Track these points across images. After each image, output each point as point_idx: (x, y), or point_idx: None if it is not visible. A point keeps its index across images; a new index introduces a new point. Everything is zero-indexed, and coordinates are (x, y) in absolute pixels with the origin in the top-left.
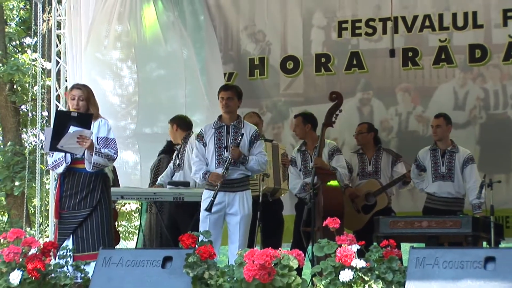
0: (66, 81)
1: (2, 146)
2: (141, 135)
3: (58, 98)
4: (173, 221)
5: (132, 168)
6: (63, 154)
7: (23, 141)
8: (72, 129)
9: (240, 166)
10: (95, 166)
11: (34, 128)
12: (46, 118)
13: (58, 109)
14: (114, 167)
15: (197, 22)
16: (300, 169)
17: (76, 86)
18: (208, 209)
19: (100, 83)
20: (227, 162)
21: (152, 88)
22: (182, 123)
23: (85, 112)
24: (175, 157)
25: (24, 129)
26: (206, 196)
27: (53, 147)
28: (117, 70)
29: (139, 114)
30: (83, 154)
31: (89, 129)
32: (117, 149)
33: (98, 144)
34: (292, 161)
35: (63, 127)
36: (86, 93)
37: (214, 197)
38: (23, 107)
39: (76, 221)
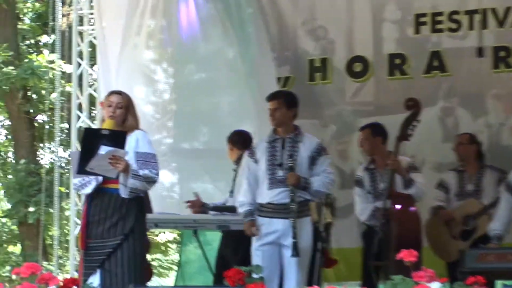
0: (89, 87)
1: (13, 164)
2: (179, 151)
3: (80, 107)
4: (218, 253)
5: (168, 190)
6: None
7: (39, 159)
8: (103, 149)
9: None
10: (132, 192)
11: (52, 143)
12: (66, 131)
13: (80, 120)
14: None
15: (244, 16)
16: (369, 192)
17: (115, 92)
18: (295, 254)
19: (129, 89)
20: (290, 193)
21: (191, 95)
22: (238, 140)
23: (122, 121)
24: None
25: (40, 144)
26: (259, 224)
27: (82, 170)
28: (149, 74)
29: (176, 125)
30: (117, 176)
31: (123, 148)
32: (158, 169)
33: (137, 161)
34: (358, 182)
35: (92, 147)
36: (126, 100)
37: (294, 237)
38: (38, 118)
39: (104, 252)
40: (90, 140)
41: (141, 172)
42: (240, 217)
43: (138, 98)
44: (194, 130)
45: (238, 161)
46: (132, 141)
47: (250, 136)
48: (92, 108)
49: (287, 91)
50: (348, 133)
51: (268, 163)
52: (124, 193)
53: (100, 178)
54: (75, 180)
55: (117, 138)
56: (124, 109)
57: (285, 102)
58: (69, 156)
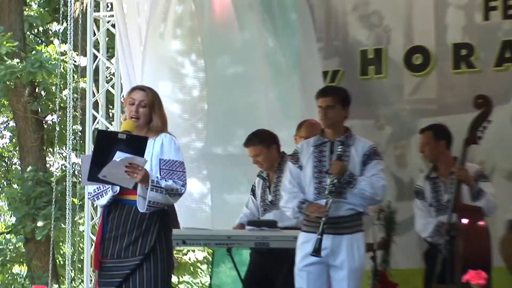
0: (107, 82)
1: (19, 172)
2: (211, 156)
3: (95, 105)
4: (255, 275)
5: (198, 202)
6: None
7: (48, 166)
8: (118, 155)
9: (348, 197)
10: (152, 206)
11: (63, 148)
12: (79, 133)
13: (96, 121)
14: None
15: (286, 1)
16: (431, 204)
17: (139, 87)
18: (316, 251)
19: (154, 85)
20: (330, 183)
21: (224, 92)
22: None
23: (146, 122)
24: (266, 189)
25: (50, 149)
26: (303, 240)
27: (93, 177)
28: (177, 67)
29: (208, 127)
30: (135, 187)
31: (143, 156)
32: (186, 179)
33: (160, 170)
34: (418, 193)
35: (107, 153)
36: (150, 98)
37: (322, 233)
38: (48, 118)
39: (121, 273)
40: (104, 144)
41: (163, 183)
42: (291, 216)
43: (163, 96)
44: (228, 133)
45: (280, 166)
46: (157, 146)
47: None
48: (110, 107)
49: (341, 88)
50: (406, 136)
51: (314, 170)
52: (141, 207)
53: (117, 188)
54: (90, 189)
55: (136, 144)
56: (149, 108)
57: (340, 99)
58: (75, 154)
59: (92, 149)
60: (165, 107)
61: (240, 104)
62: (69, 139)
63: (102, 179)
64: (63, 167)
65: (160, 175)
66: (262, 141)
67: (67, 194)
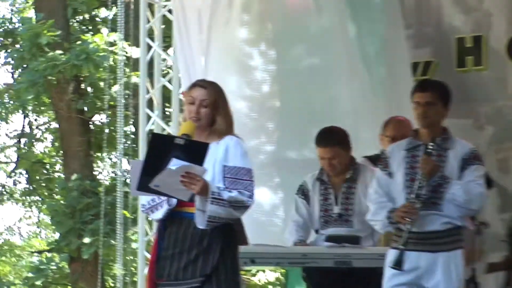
0: (163, 76)
1: (62, 181)
2: (284, 161)
3: (150, 103)
4: None
5: (269, 214)
6: None
7: (96, 173)
8: (175, 162)
9: (444, 209)
10: (212, 221)
11: (114, 153)
12: (132, 136)
13: (151, 121)
14: None
15: None
16: None
17: (200, 84)
18: (397, 263)
19: (220, 80)
20: (418, 184)
21: (299, 86)
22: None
23: (208, 124)
24: (330, 198)
25: (97, 154)
26: (392, 258)
27: (143, 186)
28: (244, 59)
29: (280, 127)
30: (192, 198)
31: (202, 164)
32: (253, 189)
33: (223, 179)
34: None
35: (161, 159)
36: (213, 96)
37: (405, 243)
38: (95, 118)
39: None
40: (159, 149)
41: (225, 195)
42: (381, 230)
43: (228, 92)
44: (303, 134)
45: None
46: (220, 150)
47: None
48: (166, 105)
49: (442, 82)
50: (510, 138)
51: (406, 178)
52: (200, 223)
53: (174, 200)
54: (144, 200)
55: (196, 151)
56: (211, 108)
57: (441, 95)
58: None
59: (146, 154)
60: (230, 105)
61: (318, 101)
62: (120, 143)
63: (154, 189)
64: (113, 174)
65: (224, 184)
66: (341, 141)
67: (117, 206)
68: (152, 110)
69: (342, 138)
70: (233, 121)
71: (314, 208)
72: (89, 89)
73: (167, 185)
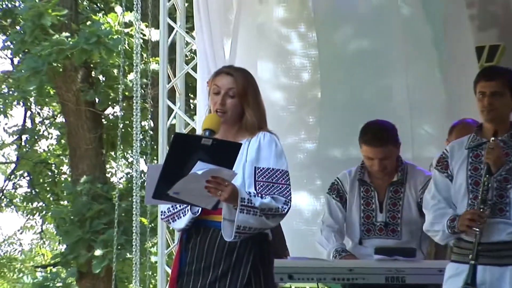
0: (186, 63)
1: (70, 184)
2: (327, 161)
3: (172, 94)
4: None
5: (309, 223)
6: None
7: (109, 175)
8: (200, 166)
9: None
10: (242, 232)
11: (129, 151)
12: (151, 132)
13: (173, 115)
14: None
15: None
16: None
17: (226, 70)
18: (470, 282)
19: (248, 66)
20: (483, 180)
21: (345, 74)
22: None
23: (236, 118)
24: (373, 203)
25: (110, 153)
26: (452, 273)
27: (161, 194)
28: (280, 42)
29: (322, 122)
30: (216, 206)
31: (231, 167)
32: (290, 194)
33: (255, 183)
34: None
35: (183, 162)
36: (241, 84)
37: (476, 257)
38: (108, 112)
39: None
40: (182, 151)
41: (257, 201)
42: (441, 242)
43: (262, 81)
44: (349, 129)
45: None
46: (252, 149)
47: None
48: (191, 95)
49: (510, 69)
50: None
51: (469, 181)
52: (228, 234)
53: (198, 208)
54: (163, 207)
55: (225, 152)
56: (239, 98)
57: (508, 84)
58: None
59: (164, 158)
60: (264, 96)
61: (366, 91)
62: (136, 140)
63: (173, 196)
64: (128, 176)
65: (256, 189)
66: (394, 139)
67: (134, 212)
68: (174, 102)
69: (395, 135)
70: (266, 115)
71: (352, 213)
72: (100, 77)
73: (188, 192)
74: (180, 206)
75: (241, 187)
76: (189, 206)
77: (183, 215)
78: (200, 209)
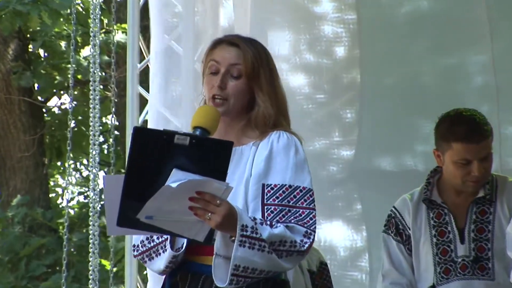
0: (165, 33)
1: None
2: (370, 175)
3: (146, 77)
4: None
5: (344, 265)
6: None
7: (53, 195)
8: (177, 176)
9: None
10: (240, 275)
11: (83, 161)
12: (116, 132)
13: (145, 108)
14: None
15: None
16: None
17: (228, 40)
18: None
19: (260, 37)
20: None
21: (396, 50)
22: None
23: (240, 110)
24: (450, 232)
25: (56, 163)
26: None
27: (126, 219)
28: (303, 2)
29: (364, 119)
30: (210, 239)
31: (224, 178)
32: (314, 224)
33: (262, 207)
34: None
35: (154, 172)
36: (250, 60)
37: None
38: (52, 103)
39: None
40: (150, 153)
41: (265, 232)
42: None
43: (278, 59)
44: (404, 128)
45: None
46: (260, 157)
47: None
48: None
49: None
50: None
51: None
52: (220, 278)
53: (182, 241)
54: (136, 239)
55: (212, 155)
56: (247, 80)
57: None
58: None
59: (126, 165)
60: (282, 80)
61: (428, 72)
62: (95, 144)
63: (145, 222)
64: (83, 197)
65: (264, 215)
66: (491, 131)
67: (90, 250)
68: (148, 88)
69: (490, 129)
70: (287, 106)
71: (420, 251)
72: (41, 53)
73: (166, 215)
74: (159, 239)
75: (243, 209)
76: (168, 238)
77: (162, 251)
78: (185, 243)
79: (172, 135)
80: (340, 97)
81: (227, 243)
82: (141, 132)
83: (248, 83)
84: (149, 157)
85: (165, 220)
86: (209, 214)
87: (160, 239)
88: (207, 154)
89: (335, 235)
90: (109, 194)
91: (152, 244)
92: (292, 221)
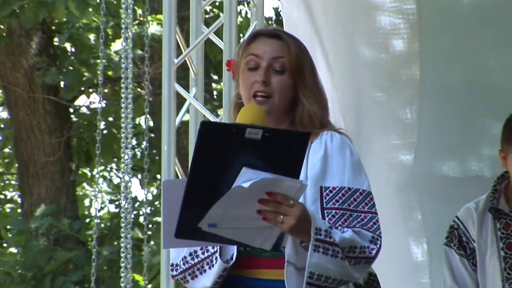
0: (206, 25)
1: (20, 219)
2: (433, 182)
3: (184, 73)
4: None
5: (406, 282)
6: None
7: (82, 204)
8: (247, 175)
9: None
10: (314, 284)
11: (114, 167)
12: (151, 135)
13: (185, 107)
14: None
15: None
16: None
17: (268, 32)
18: None
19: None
20: None
21: (461, 43)
22: None
23: (284, 107)
24: None
25: (84, 169)
26: None
27: (186, 230)
28: None
29: (424, 120)
30: (277, 246)
31: (298, 175)
32: (379, 228)
33: (323, 212)
34: None
35: (220, 169)
36: (295, 53)
37: None
38: (80, 103)
39: None
40: (216, 149)
41: (337, 236)
42: None
43: (320, 52)
44: (470, 129)
45: None
46: (314, 158)
47: None
48: (214, 77)
49: None
50: None
51: None
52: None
53: (232, 251)
54: (175, 256)
55: (285, 150)
56: (292, 76)
57: None
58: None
59: (190, 165)
60: (325, 78)
61: (496, 67)
62: (127, 147)
63: (208, 233)
64: (114, 207)
65: (325, 220)
66: None
67: (122, 265)
68: (186, 86)
69: None
70: (328, 104)
71: (486, 267)
72: (68, 47)
73: (231, 223)
74: (204, 254)
75: (316, 213)
76: (217, 250)
77: (208, 267)
78: (235, 253)
79: (243, 128)
80: (398, 96)
81: (297, 249)
82: (208, 126)
83: (292, 79)
84: (217, 156)
85: (230, 228)
86: (281, 217)
87: (206, 254)
88: (280, 149)
89: (394, 249)
90: (168, 202)
91: (196, 261)
92: (357, 225)
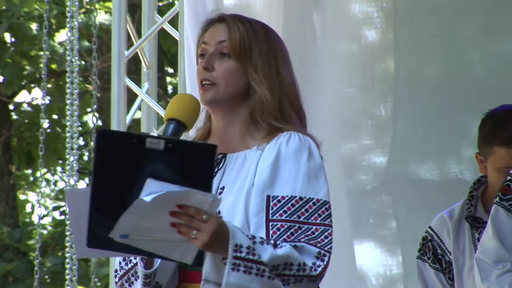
0: (160, 13)
1: None
2: (408, 186)
3: (135, 67)
4: None
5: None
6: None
7: (23, 212)
8: (152, 187)
9: None
10: None
11: (59, 170)
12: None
13: (136, 103)
14: None
15: None
16: None
17: (215, 18)
18: None
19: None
20: None
21: (439, 33)
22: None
23: (234, 98)
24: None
25: (26, 171)
26: None
27: (98, 239)
28: None
29: (398, 118)
30: (198, 260)
31: (209, 188)
32: (330, 243)
33: (268, 225)
34: None
35: (125, 178)
36: (238, 35)
37: None
38: (21, 99)
39: None
40: (117, 159)
41: (265, 253)
42: None
43: (291, 44)
44: (448, 128)
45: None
46: (264, 163)
47: None
48: (168, 70)
49: None
50: None
51: None
52: None
53: (170, 265)
54: (117, 263)
55: (193, 162)
56: (239, 60)
57: None
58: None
59: (93, 173)
60: (296, 71)
61: (476, 59)
62: (73, 148)
63: (121, 242)
64: (58, 214)
65: (268, 234)
66: None
67: (67, 277)
68: (138, 81)
69: None
70: (300, 98)
71: (464, 280)
72: (7, 37)
73: (145, 234)
74: (136, 259)
75: (237, 228)
76: (143, 260)
77: (138, 277)
78: (174, 267)
79: (142, 138)
80: (372, 91)
81: (219, 266)
82: (106, 135)
83: (240, 63)
84: (118, 165)
85: (144, 240)
86: (194, 232)
87: (130, 267)
88: (188, 160)
89: (366, 259)
90: (74, 211)
91: (129, 266)
92: (302, 240)
